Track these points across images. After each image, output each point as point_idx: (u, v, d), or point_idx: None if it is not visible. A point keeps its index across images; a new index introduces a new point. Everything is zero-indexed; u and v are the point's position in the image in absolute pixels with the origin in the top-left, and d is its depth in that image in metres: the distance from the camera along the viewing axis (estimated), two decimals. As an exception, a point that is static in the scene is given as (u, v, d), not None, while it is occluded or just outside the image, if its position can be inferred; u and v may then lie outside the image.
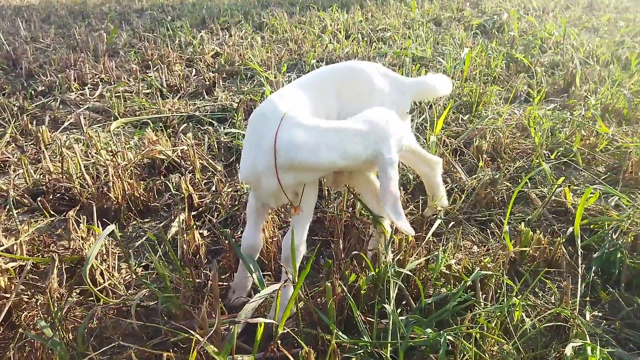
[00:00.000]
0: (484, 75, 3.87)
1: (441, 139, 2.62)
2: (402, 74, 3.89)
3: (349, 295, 1.45)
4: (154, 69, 4.51)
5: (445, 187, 2.38)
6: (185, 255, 1.78)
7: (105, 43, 5.28)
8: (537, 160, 2.53)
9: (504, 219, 1.94)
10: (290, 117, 1.43)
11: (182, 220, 1.94)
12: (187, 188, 2.25)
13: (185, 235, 1.78)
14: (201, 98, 3.91)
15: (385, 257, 1.61)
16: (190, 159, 2.60)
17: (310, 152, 1.40)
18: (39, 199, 2.34)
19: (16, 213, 2.21)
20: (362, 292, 1.53)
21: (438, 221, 1.75)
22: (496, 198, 2.26)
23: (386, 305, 1.48)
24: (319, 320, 1.48)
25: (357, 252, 1.67)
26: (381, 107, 1.56)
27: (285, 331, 1.39)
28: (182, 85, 4.09)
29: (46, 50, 5.16)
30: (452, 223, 2.08)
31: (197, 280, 1.68)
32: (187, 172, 2.52)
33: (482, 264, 1.72)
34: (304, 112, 1.54)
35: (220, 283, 1.76)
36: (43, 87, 3.99)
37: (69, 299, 1.71)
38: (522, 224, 1.92)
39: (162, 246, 2.02)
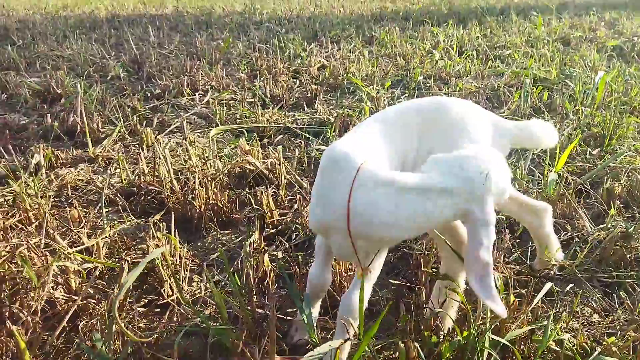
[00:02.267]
0: (621, 104, 3.33)
1: (562, 175, 2.23)
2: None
3: (426, 361, 1.20)
4: (261, 79, 4.57)
5: (564, 235, 2.01)
6: (252, 280, 1.64)
7: (219, 52, 5.49)
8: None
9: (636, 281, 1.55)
10: (367, 173, 1.20)
11: (252, 241, 1.81)
12: (267, 204, 2.14)
13: (251, 259, 1.65)
14: (301, 110, 3.85)
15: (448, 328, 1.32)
16: (281, 176, 2.50)
17: (389, 226, 1.19)
18: (131, 199, 2.39)
19: (107, 212, 2.25)
20: (444, 359, 1.27)
21: (549, 284, 1.42)
22: (629, 256, 1.85)
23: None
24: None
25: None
26: (478, 145, 1.29)
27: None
28: (284, 96, 4.07)
29: (168, 57, 5.49)
30: (571, 285, 1.72)
31: (259, 311, 1.53)
32: (272, 186, 2.43)
33: (605, 344, 1.36)
34: (381, 158, 1.34)
35: (283, 316, 1.60)
36: (159, 91, 4.21)
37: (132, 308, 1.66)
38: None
39: (235, 263, 1.93)
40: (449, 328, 1.35)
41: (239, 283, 1.54)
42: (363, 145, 1.34)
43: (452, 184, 1.18)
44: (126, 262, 1.65)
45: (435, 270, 1.50)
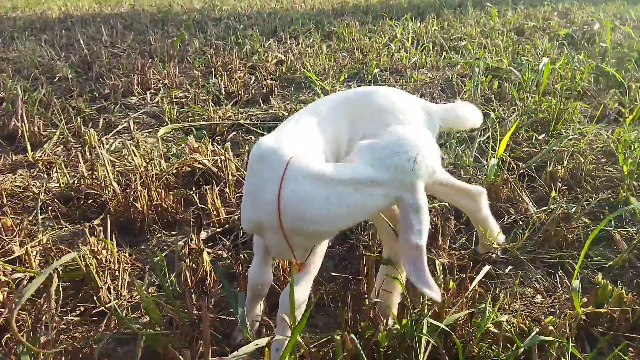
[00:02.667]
0: (567, 89, 3.39)
1: (506, 160, 2.25)
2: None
3: (362, 353, 1.17)
4: (216, 75, 4.48)
5: (508, 219, 2.03)
6: (189, 282, 1.59)
7: (173, 48, 5.36)
8: (625, 194, 2.09)
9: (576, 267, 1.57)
10: (296, 167, 1.16)
11: (189, 240, 1.75)
12: (212, 202, 2.08)
13: (187, 259, 1.59)
14: (257, 106, 3.79)
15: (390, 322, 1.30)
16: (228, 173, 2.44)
17: (322, 220, 1.15)
18: (69, 204, 2.29)
19: (43, 218, 2.15)
20: (382, 349, 1.25)
21: (487, 267, 1.41)
22: (570, 236, 1.87)
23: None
24: (324, 378, 1.21)
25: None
26: (403, 127, 1.27)
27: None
28: (239, 92, 4.00)
29: (120, 55, 5.33)
30: (511, 268, 1.72)
31: (197, 313, 1.48)
32: (221, 184, 2.37)
33: (543, 323, 1.36)
34: (313, 150, 1.31)
35: (226, 317, 1.55)
36: (107, 91, 4.07)
37: (65, 318, 1.58)
38: (600, 274, 1.53)
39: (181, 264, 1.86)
40: (388, 317, 1.33)
41: (174, 284, 1.48)
42: (292, 138, 1.30)
43: (381, 174, 1.16)
44: (55, 271, 1.57)
45: (378, 255, 1.47)
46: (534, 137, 2.70)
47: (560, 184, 2.13)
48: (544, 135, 2.72)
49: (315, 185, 1.15)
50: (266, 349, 1.09)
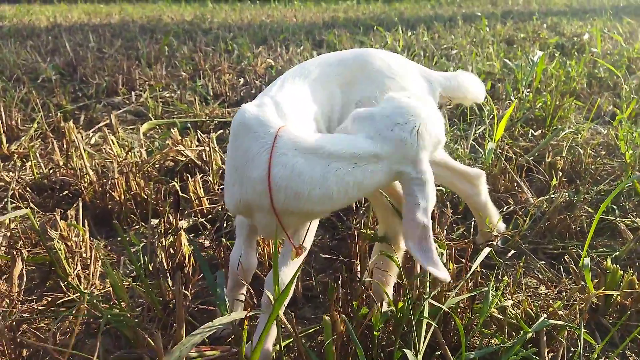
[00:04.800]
0: (562, 89, 3.34)
1: (503, 151, 2.15)
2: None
3: (354, 335, 1.05)
4: (203, 78, 4.38)
5: (507, 209, 1.93)
6: (164, 264, 1.46)
7: (160, 52, 5.28)
8: (629, 182, 2.00)
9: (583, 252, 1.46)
10: (286, 139, 1.04)
11: (164, 220, 1.61)
12: (194, 190, 1.95)
13: (164, 241, 1.46)
14: (245, 106, 3.69)
15: (384, 304, 1.19)
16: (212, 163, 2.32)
17: (319, 198, 1.03)
18: (43, 194, 2.16)
19: (13, 207, 2.01)
20: (376, 332, 1.13)
21: (487, 249, 1.31)
22: (573, 226, 1.77)
23: (408, 353, 1.06)
24: (313, 366, 1.09)
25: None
26: (403, 93, 1.17)
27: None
28: (228, 93, 3.91)
29: (106, 59, 5.22)
30: (513, 252, 1.62)
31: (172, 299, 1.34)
32: (204, 174, 2.24)
33: (551, 309, 1.25)
34: (304, 118, 1.19)
35: (206, 307, 1.42)
36: (92, 91, 3.95)
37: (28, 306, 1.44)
38: (609, 259, 1.43)
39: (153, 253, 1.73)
40: (383, 298, 1.21)
41: (148, 268, 1.35)
42: (280, 104, 1.17)
43: (382, 148, 1.05)
44: (20, 254, 1.43)
45: (373, 233, 1.36)
46: (530, 133, 2.62)
47: (560, 175, 2.03)
48: (540, 130, 2.65)
49: (309, 160, 1.02)
50: (245, 322, 0.96)
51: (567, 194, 1.86)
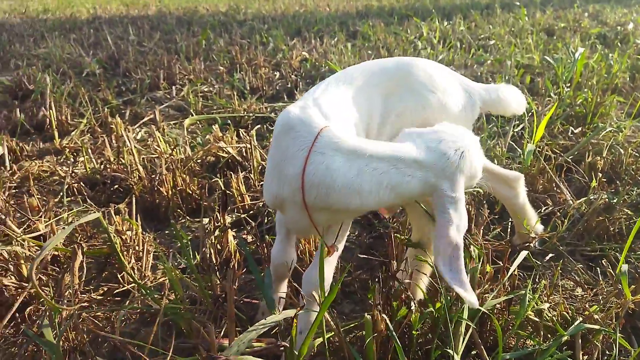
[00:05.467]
0: (604, 84, 3.27)
1: (542, 151, 2.15)
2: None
3: (394, 334, 1.11)
4: (240, 72, 4.47)
5: (545, 210, 1.94)
6: (214, 260, 1.55)
7: (198, 46, 5.39)
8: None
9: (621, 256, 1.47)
10: (327, 139, 1.09)
11: (214, 219, 1.70)
12: (237, 187, 2.04)
13: (212, 238, 1.55)
14: (282, 101, 3.76)
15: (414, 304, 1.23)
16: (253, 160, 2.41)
17: (349, 194, 1.08)
18: (96, 189, 2.29)
19: (69, 201, 2.15)
20: (415, 332, 1.18)
21: (525, 252, 1.33)
22: (612, 229, 1.77)
23: (451, 352, 1.12)
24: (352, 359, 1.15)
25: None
26: (450, 119, 1.22)
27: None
28: (264, 87, 3.99)
29: (146, 53, 5.37)
30: (551, 255, 1.64)
31: (221, 293, 1.43)
32: (245, 171, 2.33)
33: (587, 313, 1.28)
34: (345, 122, 1.23)
35: (250, 300, 1.50)
36: (134, 85, 4.10)
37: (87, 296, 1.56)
38: (648, 264, 1.44)
39: (203, 249, 1.83)
40: (420, 299, 1.26)
41: (199, 264, 1.44)
42: (323, 107, 1.22)
43: (425, 157, 1.10)
44: (80, 247, 1.55)
45: (407, 238, 1.41)
46: (570, 130, 2.60)
47: (600, 175, 2.02)
48: (580, 128, 2.62)
49: (348, 159, 1.08)
50: (294, 320, 1.03)
51: (606, 195, 1.86)
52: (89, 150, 2.48)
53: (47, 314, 1.34)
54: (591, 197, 1.88)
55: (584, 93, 2.83)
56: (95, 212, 2.05)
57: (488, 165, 1.56)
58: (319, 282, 1.11)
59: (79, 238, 1.83)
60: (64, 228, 1.84)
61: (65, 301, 1.40)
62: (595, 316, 1.26)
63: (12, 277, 1.57)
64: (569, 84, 3.16)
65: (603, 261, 1.60)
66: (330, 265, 1.27)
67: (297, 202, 1.13)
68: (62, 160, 2.67)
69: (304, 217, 1.15)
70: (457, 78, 1.45)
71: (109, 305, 1.57)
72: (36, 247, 1.70)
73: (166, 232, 2.04)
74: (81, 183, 2.28)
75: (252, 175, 2.25)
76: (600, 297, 1.48)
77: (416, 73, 1.37)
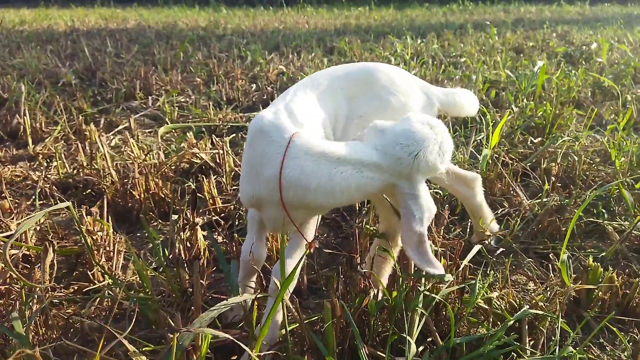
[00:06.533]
0: (564, 98, 3.44)
1: (500, 157, 2.27)
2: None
3: (352, 319, 1.18)
4: (217, 83, 4.55)
5: (501, 211, 2.04)
6: (182, 254, 1.60)
7: (175, 58, 5.45)
8: (617, 188, 2.10)
9: (572, 252, 1.58)
10: (298, 145, 1.18)
11: (182, 217, 1.75)
12: (209, 190, 2.10)
13: (182, 235, 1.60)
14: (258, 111, 3.84)
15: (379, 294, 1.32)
16: (226, 165, 2.47)
17: (323, 194, 1.19)
18: (68, 192, 2.31)
19: (41, 204, 2.17)
20: (372, 319, 1.25)
21: (478, 247, 1.43)
22: (563, 228, 1.88)
23: (407, 337, 1.18)
24: (314, 346, 1.21)
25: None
26: (415, 112, 1.31)
27: (268, 353, 1.15)
28: (240, 99, 4.06)
29: (123, 64, 5.41)
30: (502, 250, 1.74)
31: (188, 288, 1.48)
32: (217, 176, 2.39)
33: (533, 301, 1.37)
34: (314, 125, 1.33)
35: (219, 296, 1.55)
36: (110, 95, 4.13)
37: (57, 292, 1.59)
38: (591, 257, 1.54)
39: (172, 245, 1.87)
40: (378, 287, 1.34)
41: (168, 259, 1.48)
42: (293, 112, 1.31)
43: (383, 161, 1.19)
44: (51, 245, 1.58)
45: (374, 229, 1.49)
46: (529, 140, 2.73)
47: (554, 180, 2.14)
48: (539, 138, 2.76)
49: (318, 163, 1.17)
50: (255, 305, 1.09)
51: (558, 197, 1.97)
52: (62, 156, 2.50)
53: (18, 308, 1.37)
54: (544, 200, 2.00)
55: (544, 106, 2.99)
56: (65, 217, 2.07)
57: (450, 166, 1.66)
58: (281, 271, 1.17)
59: (50, 236, 1.85)
60: (35, 229, 1.87)
61: (36, 296, 1.43)
62: (541, 304, 1.35)
63: (-18, 274, 1.58)
64: (531, 98, 3.32)
65: (552, 256, 1.70)
66: (300, 253, 1.33)
67: (275, 201, 1.21)
68: (35, 166, 2.69)
69: (280, 215, 1.24)
70: (417, 82, 1.55)
71: (79, 302, 1.59)
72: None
73: (138, 234, 2.08)
74: (53, 187, 2.30)
75: (224, 180, 2.31)
76: (551, 292, 1.58)
77: (378, 77, 1.46)
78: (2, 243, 1.69)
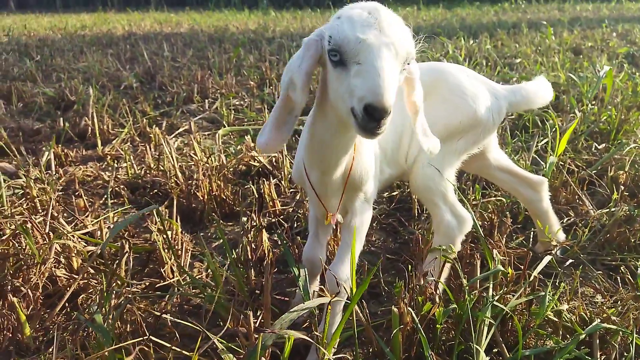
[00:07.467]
0: (629, 102, 3.30)
1: (565, 164, 2.21)
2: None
3: (419, 326, 1.19)
4: (269, 87, 4.64)
5: (567, 220, 1.99)
6: (249, 256, 1.65)
7: (229, 62, 5.59)
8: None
9: (642, 265, 1.52)
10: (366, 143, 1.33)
11: (249, 219, 1.81)
12: (269, 193, 2.15)
13: (248, 236, 1.66)
14: (309, 115, 3.89)
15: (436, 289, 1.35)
16: (284, 168, 2.52)
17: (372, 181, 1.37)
18: (136, 192, 2.43)
19: (112, 203, 2.29)
20: (439, 326, 1.26)
21: (548, 258, 1.40)
22: (632, 239, 1.81)
23: (476, 347, 1.18)
24: (380, 352, 1.23)
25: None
26: (477, 122, 1.38)
27: (336, 357, 1.18)
28: (293, 101, 4.13)
29: (180, 68, 5.61)
30: (571, 261, 1.69)
31: (255, 287, 1.53)
32: (275, 179, 2.45)
33: (605, 315, 1.33)
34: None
35: (281, 297, 1.60)
36: (170, 98, 4.30)
37: (132, 288, 1.68)
38: (668, 273, 1.48)
39: (236, 250, 1.94)
40: (440, 294, 1.34)
41: (235, 260, 1.54)
42: None
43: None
44: (128, 242, 1.68)
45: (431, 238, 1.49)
46: (593, 146, 2.64)
47: (622, 189, 2.07)
48: (604, 144, 2.66)
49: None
50: (328, 307, 1.12)
51: (627, 207, 1.90)
52: (130, 157, 2.63)
53: (98, 302, 1.46)
54: (612, 209, 1.93)
55: (608, 110, 2.87)
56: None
57: (513, 168, 1.64)
58: (352, 275, 1.20)
59: (124, 235, 1.96)
60: (109, 227, 1.99)
61: (114, 292, 1.52)
62: (613, 318, 1.31)
63: (64, 269, 1.70)
64: (593, 102, 3.20)
65: (622, 268, 1.64)
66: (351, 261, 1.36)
67: (334, 180, 1.29)
68: (103, 167, 2.84)
69: (337, 193, 1.33)
70: (485, 82, 1.54)
71: (152, 298, 1.68)
72: (84, 243, 1.84)
73: (201, 234, 2.16)
74: (122, 187, 2.42)
75: (282, 183, 2.36)
76: (619, 303, 1.53)
77: (446, 80, 1.47)
78: (81, 241, 1.80)
